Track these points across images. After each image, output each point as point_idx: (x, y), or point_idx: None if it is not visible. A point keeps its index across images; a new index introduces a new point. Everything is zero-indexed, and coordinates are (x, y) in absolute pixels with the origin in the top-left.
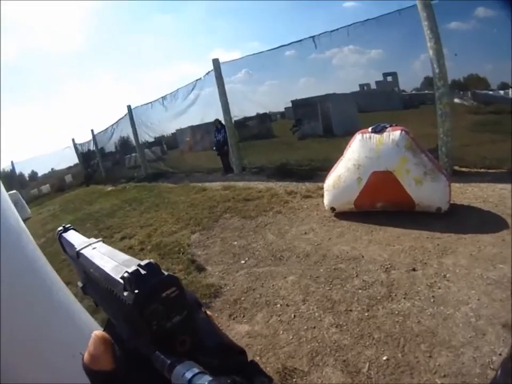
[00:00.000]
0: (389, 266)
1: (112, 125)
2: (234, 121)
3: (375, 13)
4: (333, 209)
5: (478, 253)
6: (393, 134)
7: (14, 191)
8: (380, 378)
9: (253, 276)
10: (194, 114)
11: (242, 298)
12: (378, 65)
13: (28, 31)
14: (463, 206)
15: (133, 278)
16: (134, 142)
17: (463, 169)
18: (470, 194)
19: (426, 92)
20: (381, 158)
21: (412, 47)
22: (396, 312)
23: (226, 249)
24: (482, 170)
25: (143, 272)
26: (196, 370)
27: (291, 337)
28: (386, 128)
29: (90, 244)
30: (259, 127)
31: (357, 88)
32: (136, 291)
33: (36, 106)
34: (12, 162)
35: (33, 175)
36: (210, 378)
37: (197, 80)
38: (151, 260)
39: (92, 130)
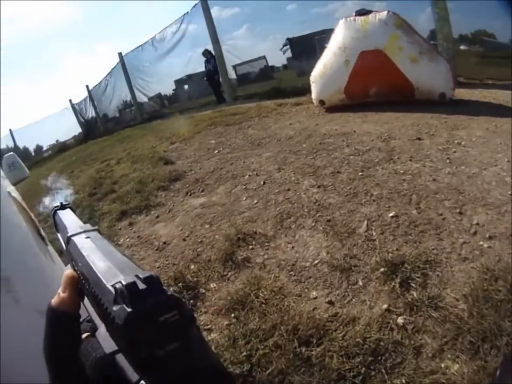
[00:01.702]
0: (387, 137)
1: (105, 77)
2: (233, 66)
3: None
4: (322, 102)
5: (496, 128)
6: (380, 15)
7: (11, 153)
8: (387, 239)
9: (223, 160)
10: (185, 50)
11: (206, 177)
12: None
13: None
14: (471, 101)
15: (128, 292)
16: (130, 98)
17: (468, 81)
18: (479, 94)
19: (432, 42)
20: (369, 37)
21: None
22: (401, 171)
23: (202, 147)
24: (489, 82)
25: (141, 286)
26: None
27: (255, 201)
28: (371, 11)
29: (85, 231)
30: (260, 73)
31: None
32: (129, 310)
33: (33, 75)
34: (10, 131)
35: (39, 148)
36: None
37: (184, 14)
38: (152, 273)
39: (87, 86)
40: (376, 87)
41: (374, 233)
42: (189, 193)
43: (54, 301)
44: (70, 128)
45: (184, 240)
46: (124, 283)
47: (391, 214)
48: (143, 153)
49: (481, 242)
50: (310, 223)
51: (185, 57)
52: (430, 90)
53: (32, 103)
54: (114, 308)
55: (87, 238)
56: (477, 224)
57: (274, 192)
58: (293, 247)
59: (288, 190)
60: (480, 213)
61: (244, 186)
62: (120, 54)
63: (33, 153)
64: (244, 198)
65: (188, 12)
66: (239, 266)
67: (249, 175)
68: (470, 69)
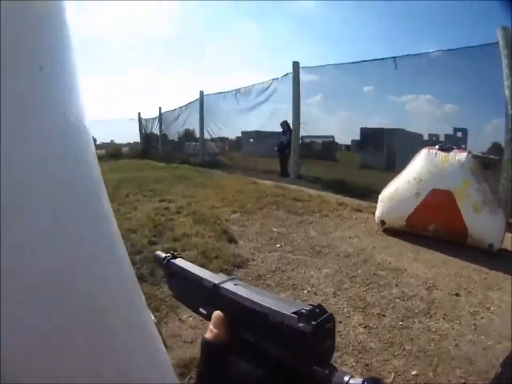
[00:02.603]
0: (431, 285)
1: (181, 107)
2: (301, 137)
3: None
4: (383, 222)
5: None
6: (460, 155)
7: None
8: None
9: (285, 259)
10: (262, 118)
11: (268, 276)
12: (450, 119)
13: (119, 10)
14: None
15: (310, 313)
16: (198, 132)
17: None
18: None
19: (492, 156)
20: (444, 176)
21: (487, 107)
22: (433, 329)
23: (264, 232)
24: None
25: (317, 310)
26: (349, 375)
27: None
28: (453, 148)
29: (230, 279)
30: (324, 149)
31: (426, 138)
32: (313, 323)
33: (110, 78)
34: None
35: (93, 139)
36: (362, 378)
37: (273, 79)
38: (320, 303)
39: (160, 108)
40: (436, 224)
41: None
42: None
43: (208, 335)
44: (129, 137)
45: None
46: (307, 309)
47: (413, 372)
48: (204, 211)
49: None
50: (352, 361)
51: (262, 119)
52: (482, 239)
53: (100, 101)
54: (300, 325)
55: (235, 285)
56: None
57: None
58: None
59: (340, 322)
60: None
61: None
62: (201, 92)
63: None
64: None
65: (277, 78)
66: None
67: (308, 291)
68: None
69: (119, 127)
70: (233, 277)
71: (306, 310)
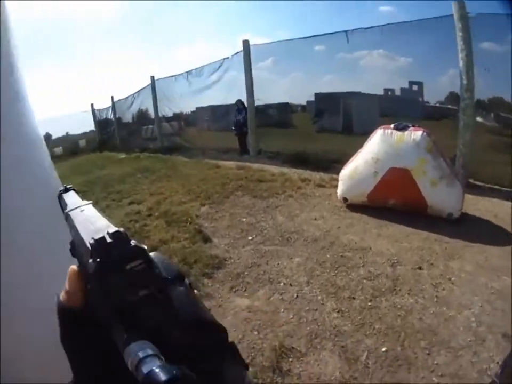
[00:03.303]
0: (395, 261)
1: (133, 94)
2: (255, 106)
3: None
4: (345, 199)
5: (484, 262)
6: (415, 134)
7: None
8: (377, 368)
9: (258, 253)
10: (216, 93)
11: (246, 273)
12: (405, 73)
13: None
14: (474, 216)
15: (97, 246)
16: (153, 113)
17: (477, 182)
18: (482, 207)
19: (449, 106)
20: (400, 156)
21: (442, 60)
22: (399, 306)
23: (234, 224)
24: (496, 187)
25: (109, 240)
26: (150, 351)
27: (291, 316)
28: (409, 127)
29: (79, 206)
30: (279, 116)
31: (382, 93)
32: (98, 260)
33: (58, 68)
34: None
35: (48, 136)
36: (160, 363)
37: (224, 58)
38: (120, 229)
39: (112, 97)
40: (395, 199)
41: (370, 363)
42: (233, 290)
43: (61, 296)
44: (84, 129)
45: (239, 342)
46: (95, 238)
47: (383, 349)
48: (174, 209)
49: (434, 378)
50: (330, 346)
51: (216, 95)
52: (441, 209)
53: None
54: (90, 261)
55: (81, 211)
56: (436, 363)
57: (305, 309)
58: (318, 364)
59: (316, 309)
60: (441, 354)
61: (281, 296)
62: (152, 77)
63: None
64: (282, 310)
65: (228, 57)
66: (283, 375)
67: (284, 284)
68: (484, 152)
69: (72, 120)
70: (89, 202)
71: (94, 240)
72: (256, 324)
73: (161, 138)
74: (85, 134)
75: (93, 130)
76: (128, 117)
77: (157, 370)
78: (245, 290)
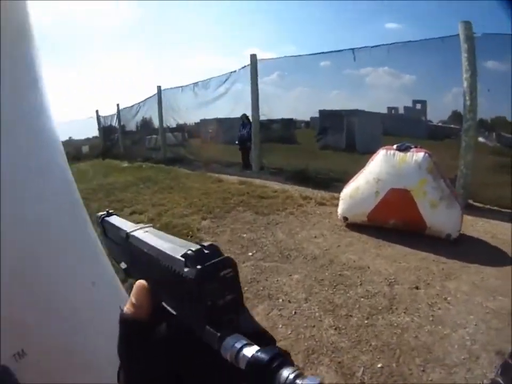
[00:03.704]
0: (393, 280)
1: (139, 103)
2: (259, 121)
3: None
4: (345, 218)
5: (481, 282)
6: (417, 155)
7: None
8: None
9: (258, 269)
10: (222, 106)
11: (245, 288)
12: (409, 90)
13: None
14: (472, 237)
15: (196, 255)
16: (157, 123)
17: (477, 204)
18: (480, 228)
19: (452, 126)
20: (401, 176)
21: (446, 79)
22: (395, 324)
23: (235, 239)
24: (496, 208)
25: (206, 251)
26: (244, 341)
27: (289, 332)
28: (411, 148)
29: (142, 228)
30: (283, 131)
31: (385, 111)
32: (198, 267)
33: (64, 74)
34: None
35: None
36: (258, 348)
37: (231, 72)
38: (213, 242)
39: (118, 105)
40: (395, 219)
41: (366, 378)
42: None
43: (127, 308)
44: (87, 134)
45: None
46: (193, 249)
47: (379, 365)
48: (175, 222)
49: None
50: (327, 361)
51: (222, 111)
52: (440, 230)
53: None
54: (186, 270)
55: (145, 232)
56: (431, 380)
57: (303, 326)
58: None
59: (313, 326)
60: (435, 371)
61: (279, 312)
62: (159, 87)
63: None
64: (280, 326)
65: (235, 71)
66: None
67: (282, 300)
68: (485, 173)
69: (77, 125)
70: (149, 224)
71: (192, 250)
72: None
73: (165, 148)
74: (88, 140)
75: (96, 137)
76: (132, 126)
77: (258, 353)
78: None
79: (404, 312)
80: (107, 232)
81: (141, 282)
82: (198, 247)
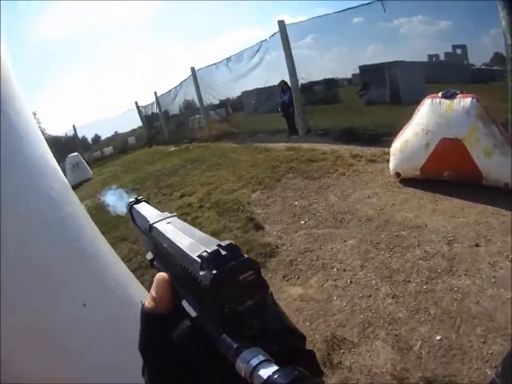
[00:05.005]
0: (451, 238)
1: (176, 87)
2: (301, 84)
3: None
4: (398, 174)
5: None
6: (464, 101)
7: (75, 153)
8: (430, 359)
9: (311, 237)
10: (259, 76)
11: (299, 260)
12: (447, 36)
13: None
14: None
15: (212, 258)
16: (198, 103)
17: None
18: None
19: (496, 67)
20: (451, 125)
21: (483, 21)
22: (455, 288)
23: (286, 208)
24: None
25: (223, 253)
26: (262, 358)
27: (344, 304)
28: (457, 94)
29: (164, 218)
30: (325, 92)
31: (426, 59)
32: (214, 272)
33: (98, 72)
34: (73, 126)
35: (96, 138)
36: (277, 367)
37: (262, 41)
38: (231, 241)
39: (155, 93)
40: (449, 171)
41: (423, 352)
42: (286, 278)
43: (148, 303)
44: (131, 126)
45: None
46: (209, 251)
47: (438, 337)
48: (225, 199)
49: (487, 370)
50: (383, 335)
51: (260, 81)
52: (496, 180)
53: (96, 100)
54: (201, 273)
55: (168, 223)
56: (491, 353)
57: (358, 295)
58: (370, 356)
59: (370, 296)
60: (497, 343)
61: (334, 283)
62: (192, 68)
63: (91, 142)
64: (335, 298)
65: (265, 40)
66: (334, 367)
67: (337, 269)
68: None
69: (120, 120)
70: (173, 214)
71: (208, 252)
72: (308, 314)
73: (209, 126)
74: (133, 131)
75: (140, 127)
76: (175, 109)
77: (276, 375)
78: (298, 278)
79: (465, 274)
80: (135, 219)
81: (162, 275)
82: (215, 247)
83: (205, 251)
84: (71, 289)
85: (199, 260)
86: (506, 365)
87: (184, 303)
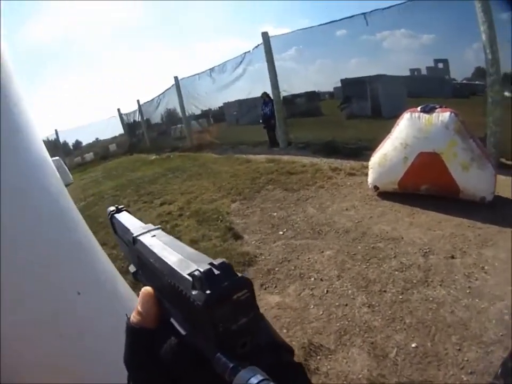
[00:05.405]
0: (427, 250)
1: (159, 96)
2: (282, 97)
3: None
4: (376, 188)
5: None
6: (443, 116)
7: (57, 157)
8: (406, 366)
9: (289, 247)
10: (242, 88)
11: (277, 269)
12: (429, 50)
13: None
14: (508, 199)
15: (205, 277)
16: (180, 113)
17: (510, 162)
18: None
19: (477, 82)
20: (429, 139)
21: (465, 35)
22: (431, 298)
23: (265, 219)
24: None
25: (216, 272)
26: (260, 377)
27: (321, 312)
28: (436, 108)
29: (149, 231)
30: (307, 105)
31: (407, 73)
32: (208, 292)
33: (82, 76)
34: (55, 130)
35: (77, 144)
36: None
37: (245, 53)
38: (224, 260)
39: (138, 101)
40: (426, 185)
41: (399, 359)
42: (264, 287)
43: (133, 317)
44: (112, 133)
45: None
46: (201, 270)
47: (413, 345)
48: (204, 208)
49: (462, 376)
50: (359, 342)
51: (243, 92)
52: (473, 194)
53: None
54: (194, 292)
55: (152, 236)
56: (467, 360)
57: (335, 304)
58: (346, 362)
59: (346, 305)
60: (472, 350)
61: (311, 292)
62: (176, 77)
63: (71, 148)
64: (312, 306)
65: (249, 51)
66: (311, 373)
67: (314, 279)
68: None
69: (101, 126)
70: (157, 227)
71: (200, 271)
72: (285, 322)
73: (191, 136)
74: (114, 138)
75: (122, 134)
76: (156, 118)
77: None
78: (275, 286)
79: (440, 285)
80: (116, 229)
81: (147, 290)
82: (208, 266)
83: (197, 270)
84: (68, 280)
85: (190, 279)
86: (505, 368)
87: (173, 321)
